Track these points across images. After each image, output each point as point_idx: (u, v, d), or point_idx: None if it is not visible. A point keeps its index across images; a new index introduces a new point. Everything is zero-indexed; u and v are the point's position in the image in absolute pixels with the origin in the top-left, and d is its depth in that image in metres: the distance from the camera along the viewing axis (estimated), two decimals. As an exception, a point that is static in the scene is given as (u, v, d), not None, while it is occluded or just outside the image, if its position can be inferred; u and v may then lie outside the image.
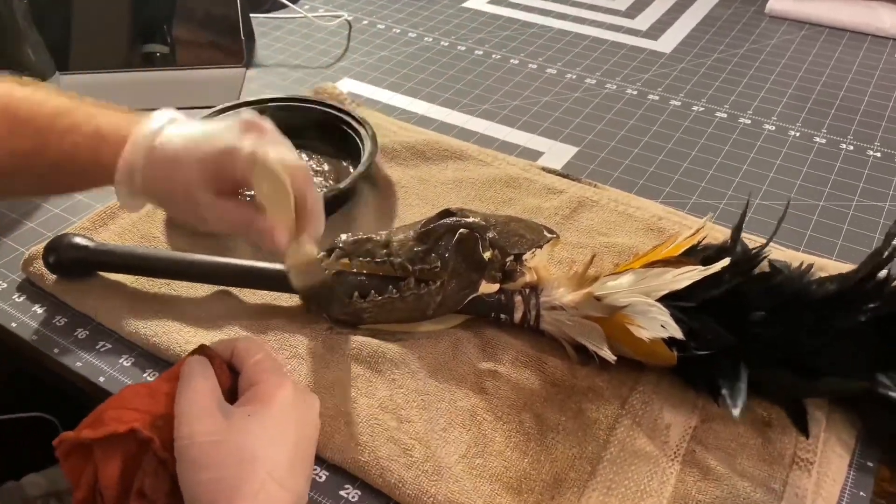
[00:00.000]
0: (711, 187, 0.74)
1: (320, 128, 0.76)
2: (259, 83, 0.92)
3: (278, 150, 0.46)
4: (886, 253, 0.52)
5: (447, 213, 0.57)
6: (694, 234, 0.56)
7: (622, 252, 0.63)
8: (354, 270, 0.56)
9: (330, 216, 0.66)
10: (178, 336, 0.55)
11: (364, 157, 0.69)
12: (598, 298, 0.52)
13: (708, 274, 0.51)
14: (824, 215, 0.70)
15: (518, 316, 0.55)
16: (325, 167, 0.74)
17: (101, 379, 0.55)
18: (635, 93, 0.90)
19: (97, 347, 0.57)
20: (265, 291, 0.60)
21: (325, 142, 0.76)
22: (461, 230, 0.54)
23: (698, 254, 0.57)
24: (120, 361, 0.56)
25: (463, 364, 0.54)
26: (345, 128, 0.74)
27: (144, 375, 0.55)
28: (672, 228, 0.65)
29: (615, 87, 0.91)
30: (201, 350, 0.46)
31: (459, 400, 0.51)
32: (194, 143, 0.47)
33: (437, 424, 0.50)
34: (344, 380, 0.52)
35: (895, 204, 0.71)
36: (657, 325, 0.50)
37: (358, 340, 0.55)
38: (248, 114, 0.49)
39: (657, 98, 0.89)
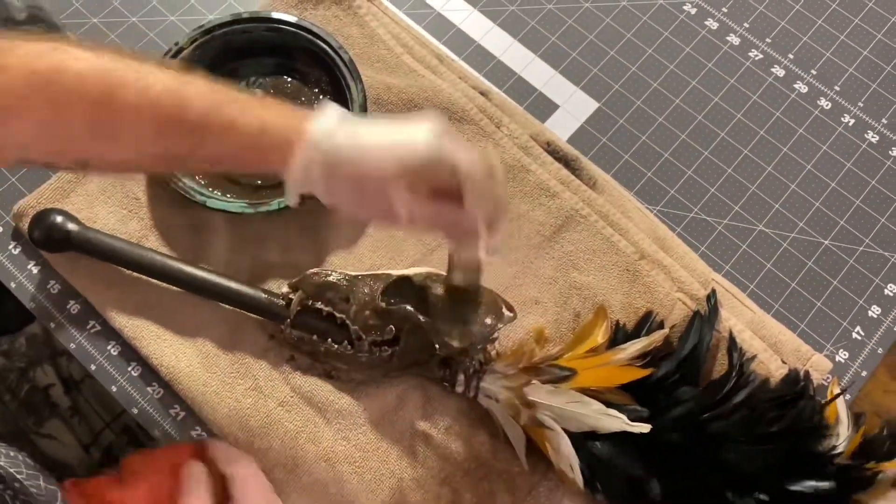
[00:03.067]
0: (720, 196, 0.69)
1: (311, 56, 0.68)
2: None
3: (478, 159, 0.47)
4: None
5: (408, 282, 0.57)
6: (636, 369, 0.57)
7: (588, 298, 0.63)
8: (317, 309, 0.59)
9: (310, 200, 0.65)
10: (156, 346, 0.61)
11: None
12: (529, 405, 0.56)
13: (629, 430, 0.54)
14: (823, 261, 0.67)
15: (459, 390, 0.59)
16: (311, 101, 0.69)
17: (93, 367, 0.63)
18: (693, 11, 0.76)
19: (88, 327, 0.64)
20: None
21: (315, 68, 0.69)
22: (415, 321, 0.56)
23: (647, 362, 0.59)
24: (108, 349, 0.63)
25: (403, 420, 0.60)
26: (336, 73, 0.67)
27: (129, 369, 0.63)
28: (648, 275, 0.64)
29: (673, -5, 0.76)
30: (201, 450, 0.53)
31: (392, 461, 0.59)
32: (389, 146, 0.46)
33: (367, 485, 0.59)
34: (296, 423, 0.60)
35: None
36: (567, 463, 0.55)
37: (312, 383, 0.60)
38: (438, 122, 0.46)
39: (715, 27, 0.75)
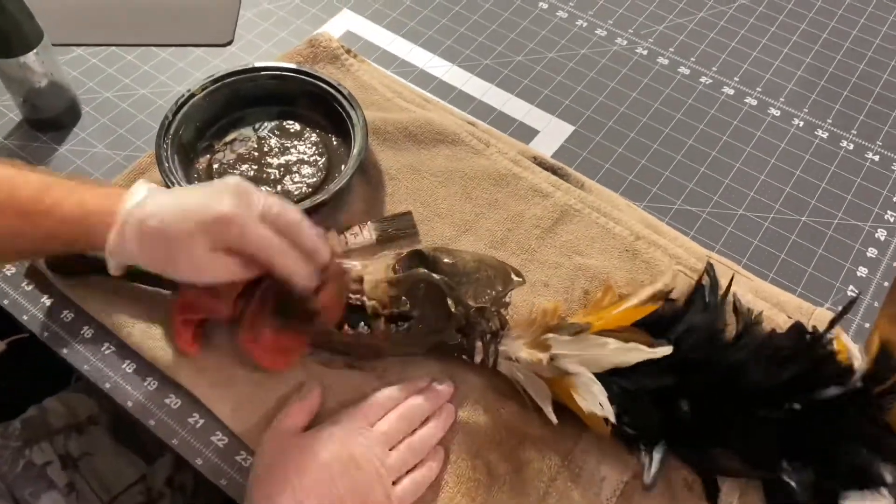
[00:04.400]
0: (699, 190, 0.74)
1: (312, 99, 0.75)
2: (254, 11, 0.89)
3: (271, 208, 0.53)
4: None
5: (419, 254, 0.60)
6: (650, 303, 0.59)
7: (594, 277, 0.66)
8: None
9: (319, 211, 0.69)
10: (176, 363, 0.61)
11: (354, 153, 0.69)
12: (551, 358, 0.57)
13: (649, 357, 0.54)
14: (804, 234, 0.71)
15: (478, 359, 0.59)
16: (314, 138, 0.74)
17: (107, 385, 0.61)
18: (645, 53, 0.86)
19: (102, 349, 0.63)
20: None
21: (316, 111, 0.75)
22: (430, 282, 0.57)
23: (662, 303, 0.61)
24: (122, 367, 0.62)
25: (430, 403, 0.60)
26: (337, 107, 0.73)
27: (145, 384, 0.61)
28: (646, 252, 0.67)
29: (626, 42, 0.87)
30: None
31: (422, 440, 0.58)
32: (186, 214, 0.51)
33: (400, 465, 0.57)
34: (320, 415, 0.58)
35: (876, 226, 0.72)
36: (596, 403, 0.54)
37: (335, 374, 0.60)
38: (231, 180, 0.53)
39: (666, 62, 0.85)
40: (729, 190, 0.74)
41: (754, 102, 0.81)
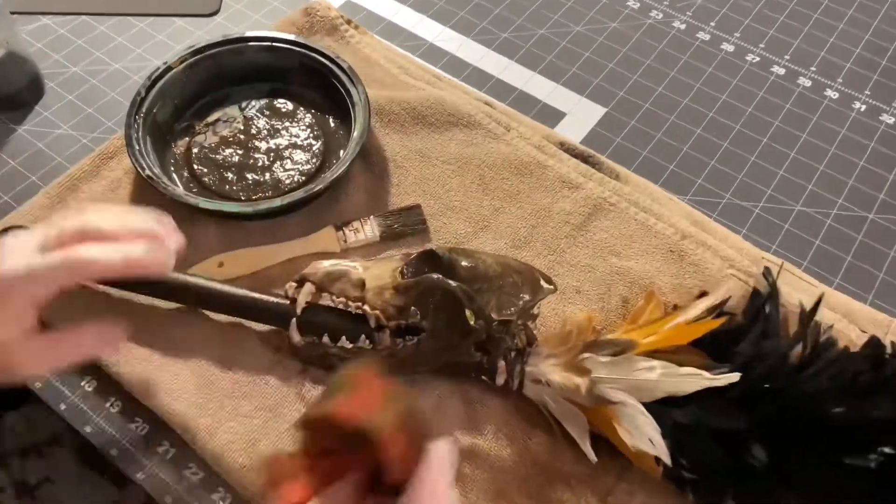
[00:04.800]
0: (750, 182, 0.65)
1: (307, 73, 0.65)
2: (245, -22, 0.79)
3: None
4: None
5: (432, 256, 0.50)
6: (709, 320, 0.49)
7: (634, 282, 0.57)
8: (326, 305, 0.51)
9: (315, 201, 0.60)
10: (141, 368, 0.51)
11: (354, 136, 0.60)
12: (588, 379, 0.47)
13: (710, 385, 0.45)
14: (873, 233, 0.62)
15: (500, 381, 0.50)
16: (308, 119, 0.65)
17: (62, 407, 0.52)
18: (683, 27, 0.76)
19: (58, 364, 0.54)
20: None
21: (311, 88, 0.66)
22: (446, 290, 0.48)
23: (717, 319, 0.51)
24: (82, 384, 0.53)
25: (441, 432, 0.50)
26: (336, 83, 0.64)
27: (107, 405, 0.52)
28: (694, 253, 0.58)
29: (661, 15, 0.77)
30: None
31: (433, 477, 0.48)
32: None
33: (408, 508, 0.47)
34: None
35: (956, 224, 0.63)
36: (645, 439, 0.45)
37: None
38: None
39: (707, 38, 0.75)
40: (784, 182, 0.65)
41: (808, 83, 0.72)
